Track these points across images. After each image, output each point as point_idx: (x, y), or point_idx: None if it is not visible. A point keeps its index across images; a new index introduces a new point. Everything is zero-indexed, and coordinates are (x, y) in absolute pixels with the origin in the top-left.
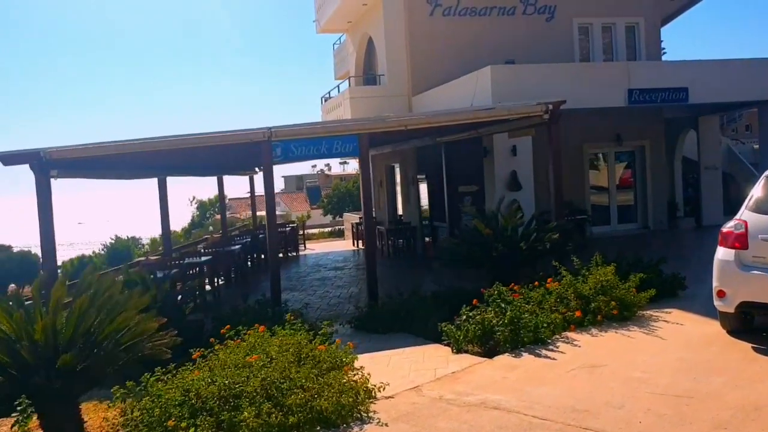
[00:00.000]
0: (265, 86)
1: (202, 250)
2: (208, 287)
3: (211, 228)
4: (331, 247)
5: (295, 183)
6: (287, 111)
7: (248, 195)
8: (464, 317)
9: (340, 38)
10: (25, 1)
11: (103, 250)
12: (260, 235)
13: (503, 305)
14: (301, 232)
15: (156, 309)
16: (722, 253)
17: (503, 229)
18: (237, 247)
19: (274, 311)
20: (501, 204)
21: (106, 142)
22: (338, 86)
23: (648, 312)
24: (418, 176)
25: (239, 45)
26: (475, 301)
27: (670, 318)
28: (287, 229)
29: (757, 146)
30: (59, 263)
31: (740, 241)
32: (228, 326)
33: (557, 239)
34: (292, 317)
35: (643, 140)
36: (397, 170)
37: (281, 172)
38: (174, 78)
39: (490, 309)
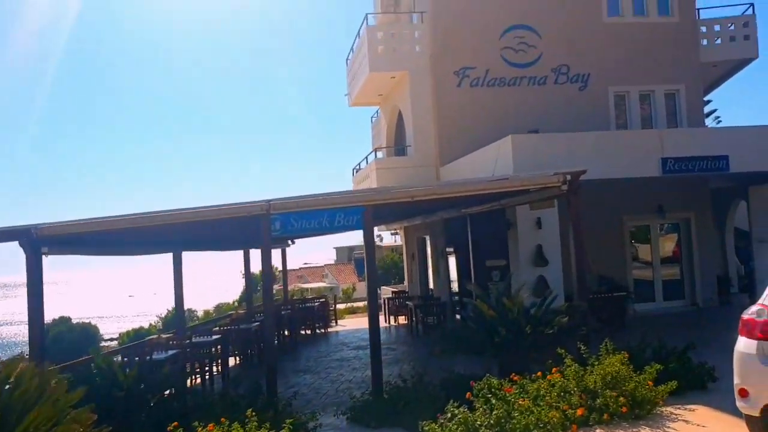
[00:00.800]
0: (296, 162)
1: (217, 329)
2: (216, 369)
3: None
4: (364, 323)
5: (347, 254)
6: (325, 186)
7: (302, 266)
8: (449, 415)
9: (377, 111)
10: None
11: (158, 322)
12: (284, 311)
13: (493, 401)
14: (333, 307)
15: (106, 400)
16: (744, 345)
17: (508, 311)
18: (255, 324)
19: (266, 401)
20: (509, 281)
21: (99, 217)
22: (366, 158)
23: (668, 408)
24: (447, 249)
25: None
26: (468, 394)
27: (692, 417)
28: (316, 304)
29: None
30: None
31: (764, 331)
32: (176, 423)
33: (565, 323)
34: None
35: (687, 211)
36: (428, 242)
37: (333, 242)
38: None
39: (477, 406)
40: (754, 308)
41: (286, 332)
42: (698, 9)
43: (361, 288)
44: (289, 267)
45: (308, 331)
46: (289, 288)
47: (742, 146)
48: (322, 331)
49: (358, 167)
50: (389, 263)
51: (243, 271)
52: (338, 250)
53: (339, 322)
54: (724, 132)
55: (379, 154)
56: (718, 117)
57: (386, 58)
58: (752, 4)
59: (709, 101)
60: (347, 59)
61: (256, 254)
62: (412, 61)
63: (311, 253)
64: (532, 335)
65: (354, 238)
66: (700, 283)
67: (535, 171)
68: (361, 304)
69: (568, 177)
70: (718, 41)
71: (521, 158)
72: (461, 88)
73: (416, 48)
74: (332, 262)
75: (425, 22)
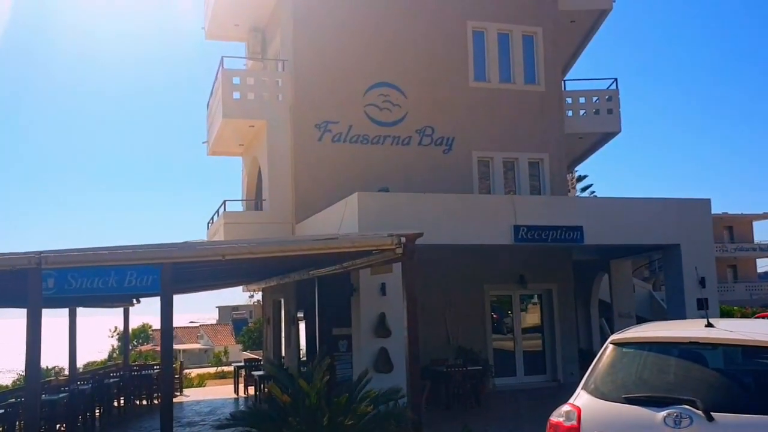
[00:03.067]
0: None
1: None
2: None
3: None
4: (215, 392)
5: (230, 314)
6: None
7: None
8: None
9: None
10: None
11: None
12: (113, 378)
13: None
14: (178, 373)
15: None
16: None
17: (306, 396)
18: (63, 395)
19: None
20: (322, 357)
21: None
22: (218, 210)
23: None
24: (298, 314)
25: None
26: None
27: None
28: (156, 370)
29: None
30: None
31: None
32: None
33: (369, 411)
34: None
35: (550, 283)
36: (282, 306)
37: (215, 301)
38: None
39: None
40: (564, 408)
41: (115, 403)
42: (565, 80)
43: (236, 351)
44: (161, 325)
45: (146, 402)
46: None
47: (597, 218)
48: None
49: (211, 221)
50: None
51: (113, 330)
52: (221, 309)
53: (197, 389)
54: (578, 202)
55: (234, 207)
56: (593, 191)
57: (243, 104)
58: (616, 80)
59: (585, 176)
60: (208, 103)
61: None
62: (271, 110)
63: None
64: (329, 427)
65: (236, 297)
66: (561, 357)
67: (382, 231)
68: (230, 368)
69: (403, 239)
70: (583, 113)
71: (367, 217)
72: (322, 143)
73: (279, 97)
74: (214, 321)
75: (287, 71)
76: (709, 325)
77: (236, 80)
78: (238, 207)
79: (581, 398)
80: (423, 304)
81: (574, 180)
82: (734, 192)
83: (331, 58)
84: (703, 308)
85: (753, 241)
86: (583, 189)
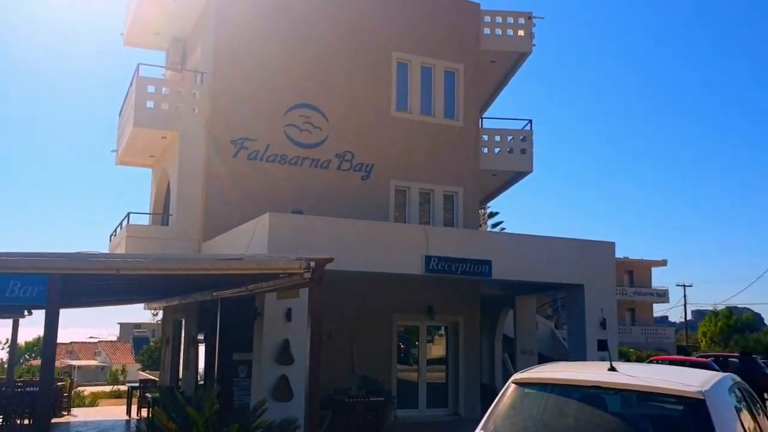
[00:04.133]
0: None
1: None
2: None
3: None
4: (106, 413)
5: (131, 331)
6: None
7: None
8: None
9: None
10: None
11: None
12: None
13: None
14: (67, 392)
15: None
16: None
17: (193, 425)
18: None
19: None
20: (212, 385)
21: None
22: (121, 223)
23: None
24: (199, 336)
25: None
26: None
27: None
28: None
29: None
30: None
31: None
32: None
33: None
34: None
35: (456, 316)
36: (183, 327)
37: (118, 317)
38: None
39: None
40: None
41: None
42: (482, 118)
43: (134, 370)
44: (60, 340)
45: (28, 421)
46: (57, 365)
47: (506, 253)
48: (41, 423)
49: (114, 233)
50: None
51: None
52: (122, 326)
53: (88, 408)
54: (488, 236)
55: (140, 221)
56: (504, 228)
57: (156, 114)
58: (530, 121)
59: (496, 213)
60: (120, 110)
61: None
62: (186, 122)
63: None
64: None
65: (140, 314)
66: (463, 390)
67: (291, 255)
68: (125, 387)
69: (312, 264)
70: (498, 151)
71: (278, 239)
72: (237, 160)
73: (195, 110)
74: (114, 338)
75: (205, 84)
76: (612, 368)
77: (151, 89)
78: (144, 221)
79: None
80: (329, 331)
81: (486, 216)
82: (635, 237)
83: (252, 74)
84: (603, 349)
85: (651, 287)
86: (494, 225)
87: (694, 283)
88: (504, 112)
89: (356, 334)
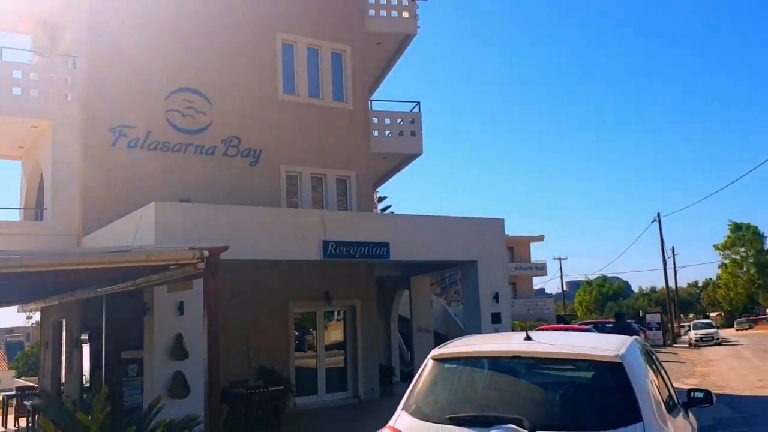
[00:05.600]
0: None
1: None
2: None
3: None
4: None
5: (2, 336)
6: None
7: None
8: None
9: None
10: None
11: None
12: None
13: None
14: None
15: None
16: None
17: (84, 430)
18: None
19: None
20: (99, 387)
21: None
22: None
23: None
24: (83, 337)
25: None
26: None
27: None
28: None
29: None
30: None
31: None
32: None
33: None
34: None
35: (353, 299)
36: (64, 327)
37: None
38: None
39: None
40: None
41: None
42: (372, 100)
43: (8, 377)
44: None
45: None
46: None
47: (403, 234)
48: None
49: None
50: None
51: None
52: None
53: None
54: (386, 219)
55: (11, 216)
56: (392, 212)
57: (24, 101)
58: (419, 103)
59: (385, 197)
60: None
61: None
62: (58, 110)
63: None
64: None
65: (11, 318)
66: (362, 373)
67: (182, 245)
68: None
69: (206, 253)
70: (388, 134)
71: (166, 230)
72: (116, 148)
73: (68, 96)
74: None
75: (79, 68)
76: (528, 338)
77: (17, 74)
78: (14, 216)
79: (402, 420)
80: (224, 322)
81: (376, 200)
82: (514, 215)
83: (129, 58)
84: (497, 321)
85: (530, 261)
86: (384, 209)
87: (569, 256)
88: (393, 95)
89: (251, 324)
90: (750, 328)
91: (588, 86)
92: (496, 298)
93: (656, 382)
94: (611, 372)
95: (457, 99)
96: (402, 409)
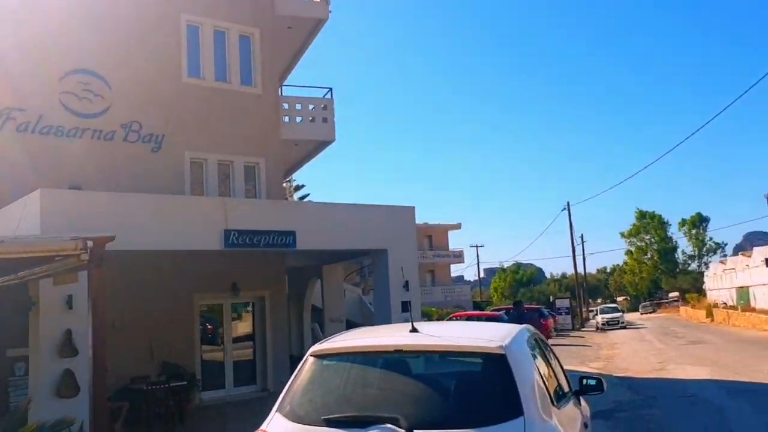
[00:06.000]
0: None
1: None
2: None
3: None
4: None
5: None
6: None
7: None
8: None
9: None
10: None
11: None
12: None
13: None
14: None
15: None
16: None
17: None
18: None
19: None
20: None
21: None
22: None
23: None
24: None
25: None
26: None
27: None
28: None
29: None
30: None
31: None
32: None
33: None
34: None
35: (262, 290)
36: None
37: None
38: None
39: None
40: None
41: None
42: (282, 86)
43: None
44: None
45: None
46: None
47: (310, 223)
48: None
49: None
50: None
51: None
52: None
53: None
54: (291, 207)
55: None
56: (310, 200)
57: None
58: (330, 89)
59: (302, 185)
60: None
61: None
62: None
63: None
64: None
65: None
66: (272, 365)
67: (65, 234)
68: None
69: (89, 244)
70: (300, 120)
71: (53, 219)
72: (2, 133)
73: None
74: None
75: None
76: (414, 330)
77: None
78: None
79: (275, 423)
80: (122, 316)
81: (292, 189)
82: (432, 204)
83: (20, 37)
84: (406, 310)
85: (448, 249)
86: (302, 198)
87: (487, 243)
88: (305, 80)
89: (154, 318)
90: (654, 311)
91: (504, 77)
92: (406, 286)
93: (545, 372)
94: (494, 364)
95: (375, 86)
96: (276, 411)
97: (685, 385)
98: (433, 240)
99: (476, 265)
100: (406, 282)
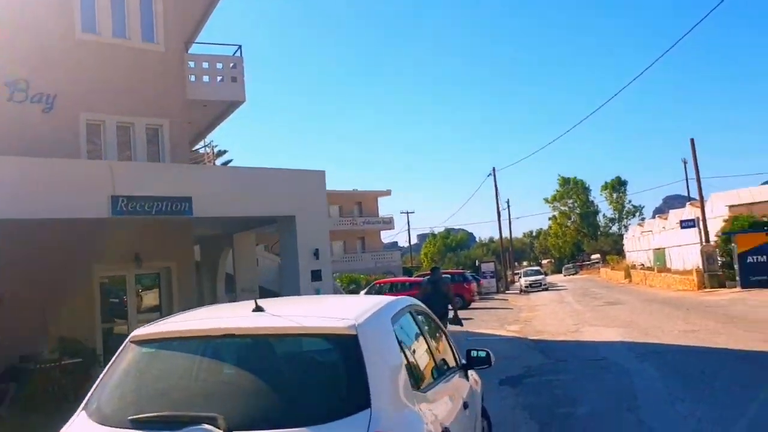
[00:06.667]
0: None
1: None
2: None
3: None
4: None
5: None
6: None
7: None
8: None
9: None
10: None
11: None
12: None
13: None
14: None
15: None
16: None
17: None
18: None
19: None
20: None
21: None
22: None
23: None
24: None
25: None
26: None
27: None
28: None
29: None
30: None
31: None
32: None
33: None
34: None
35: (168, 261)
36: None
37: None
38: None
39: None
40: None
41: None
42: (190, 43)
43: None
44: None
45: None
46: None
47: (209, 188)
48: None
49: None
50: None
51: None
52: None
53: None
54: (187, 171)
55: None
56: (222, 152)
57: None
58: (240, 46)
59: (225, 151)
60: None
61: None
62: None
63: None
64: None
65: None
66: None
67: None
68: None
69: None
70: (207, 79)
71: None
72: None
73: None
74: None
75: None
76: (259, 308)
77: None
78: None
79: (75, 427)
80: (12, 290)
81: (213, 154)
82: (361, 170)
83: None
84: (317, 279)
85: (378, 215)
86: (224, 164)
87: (417, 209)
88: (222, 40)
89: (49, 291)
90: (576, 273)
91: (433, 43)
92: (316, 254)
93: (421, 350)
94: (342, 347)
95: (299, 47)
96: (81, 409)
97: (597, 347)
98: (363, 206)
99: (407, 232)
100: (316, 250)
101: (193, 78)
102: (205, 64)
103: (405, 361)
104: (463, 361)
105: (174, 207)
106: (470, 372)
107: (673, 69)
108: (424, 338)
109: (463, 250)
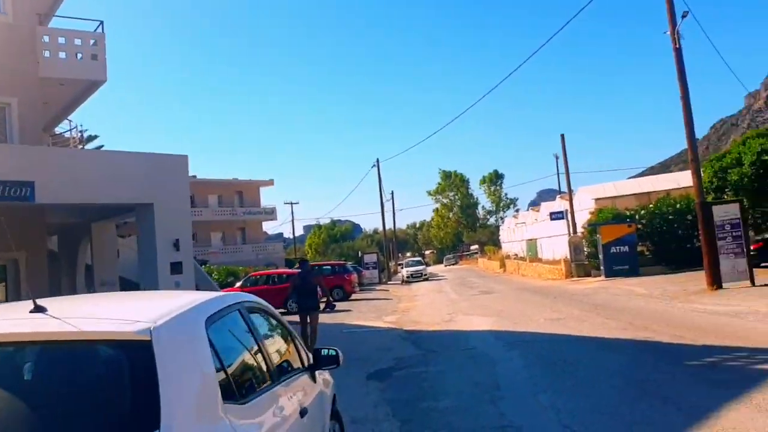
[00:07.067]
0: None
1: None
2: None
3: None
4: None
5: None
6: None
7: None
8: None
9: None
10: None
11: None
12: None
13: None
14: None
15: None
16: None
17: None
18: None
19: None
20: None
21: None
22: None
23: None
24: None
25: None
26: None
27: None
28: None
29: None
30: None
31: None
32: None
33: None
34: None
35: (17, 252)
36: None
37: None
38: None
39: None
40: None
41: None
42: (44, 15)
43: None
44: None
45: None
46: None
47: (54, 172)
48: None
49: None
50: None
51: None
52: None
53: None
54: (26, 152)
55: None
56: (90, 136)
57: None
58: (102, 22)
59: (96, 136)
60: None
61: None
62: None
63: None
64: None
65: None
66: None
67: None
68: None
69: None
70: (64, 56)
71: None
72: None
73: None
74: None
75: None
76: (38, 309)
77: None
78: None
79: None
80: None
81: (78, 139)
82: (244, 159)
83: None
84: (177, 272)
85: (260, 206)
86: (97, 149)
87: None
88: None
89: None
90: (456, 263)
91: (319, 29)
92: (176, 245)
93: (249, 353)
94: (130, 356)
95: (190, 36)
96: None
97: (468, 337)
98: (244, 196)
99: (291, 223)
100: (177, 240)
101: (47, 54)
102: (62, 39)
103: (221, 370)
104: (311, 362)
105: (12, 192)
106: (320, 372)
107: (547, 66)
108: (256, 340)
109: (347, 241)
